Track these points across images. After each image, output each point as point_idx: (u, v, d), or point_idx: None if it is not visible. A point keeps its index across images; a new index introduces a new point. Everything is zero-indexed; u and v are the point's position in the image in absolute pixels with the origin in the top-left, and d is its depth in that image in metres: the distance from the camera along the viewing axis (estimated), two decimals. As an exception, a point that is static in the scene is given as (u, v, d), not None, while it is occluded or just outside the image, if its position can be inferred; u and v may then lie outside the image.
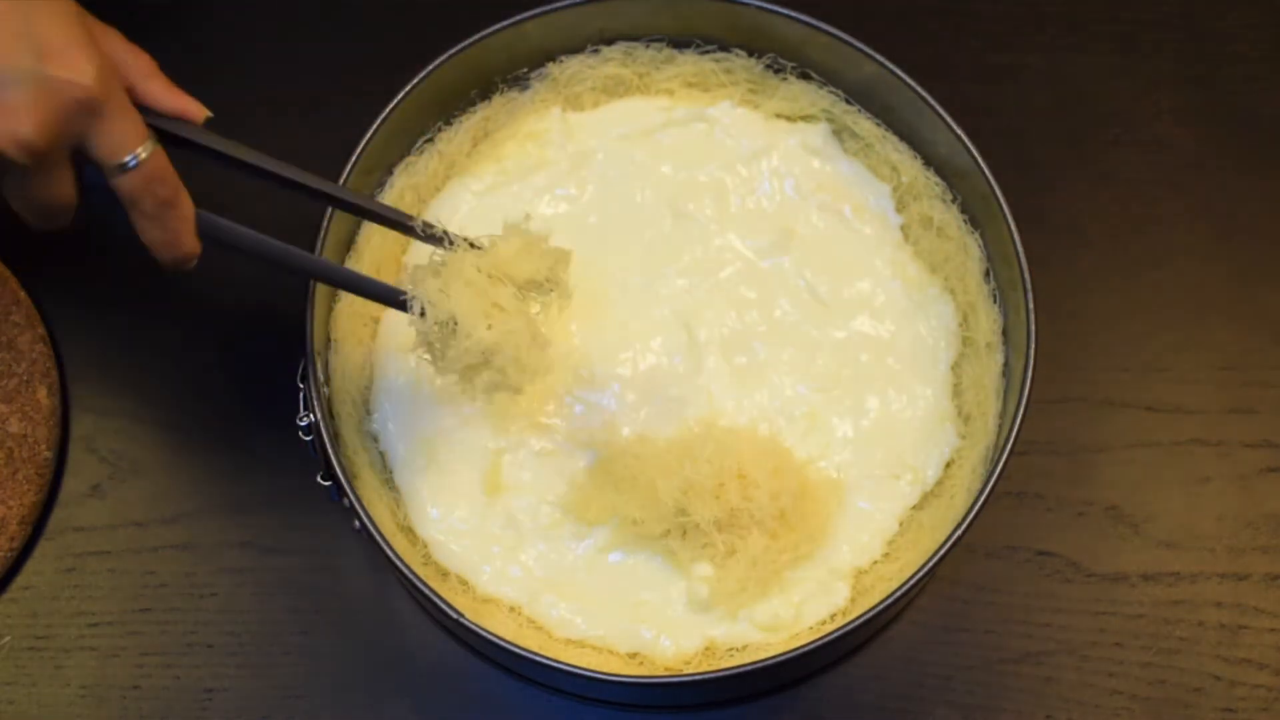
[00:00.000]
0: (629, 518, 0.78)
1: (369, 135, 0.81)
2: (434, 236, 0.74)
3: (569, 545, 0.80)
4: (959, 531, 0.74)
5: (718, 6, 0.85)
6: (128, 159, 0.64)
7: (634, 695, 0.84)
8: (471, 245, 0.73)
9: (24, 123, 0.60)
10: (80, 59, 0.61)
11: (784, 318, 0.84)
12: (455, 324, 0.71)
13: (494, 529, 0.80)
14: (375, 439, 0.83)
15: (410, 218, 0.75)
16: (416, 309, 0.71)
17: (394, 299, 0.73)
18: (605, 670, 0.75)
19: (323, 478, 0.79)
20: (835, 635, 0.73)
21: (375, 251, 0.84)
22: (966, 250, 0.84)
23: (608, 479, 0.80)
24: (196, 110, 0.69)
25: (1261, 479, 0.90)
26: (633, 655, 0.78)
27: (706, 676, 0.73)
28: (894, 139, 0.87)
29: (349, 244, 0.84)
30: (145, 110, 0.66)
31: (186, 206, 0.67)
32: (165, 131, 0.68)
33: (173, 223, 0.67)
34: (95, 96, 0.61)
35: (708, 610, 0.79)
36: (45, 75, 0.60)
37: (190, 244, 0.68)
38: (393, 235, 0.85)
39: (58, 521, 0.89)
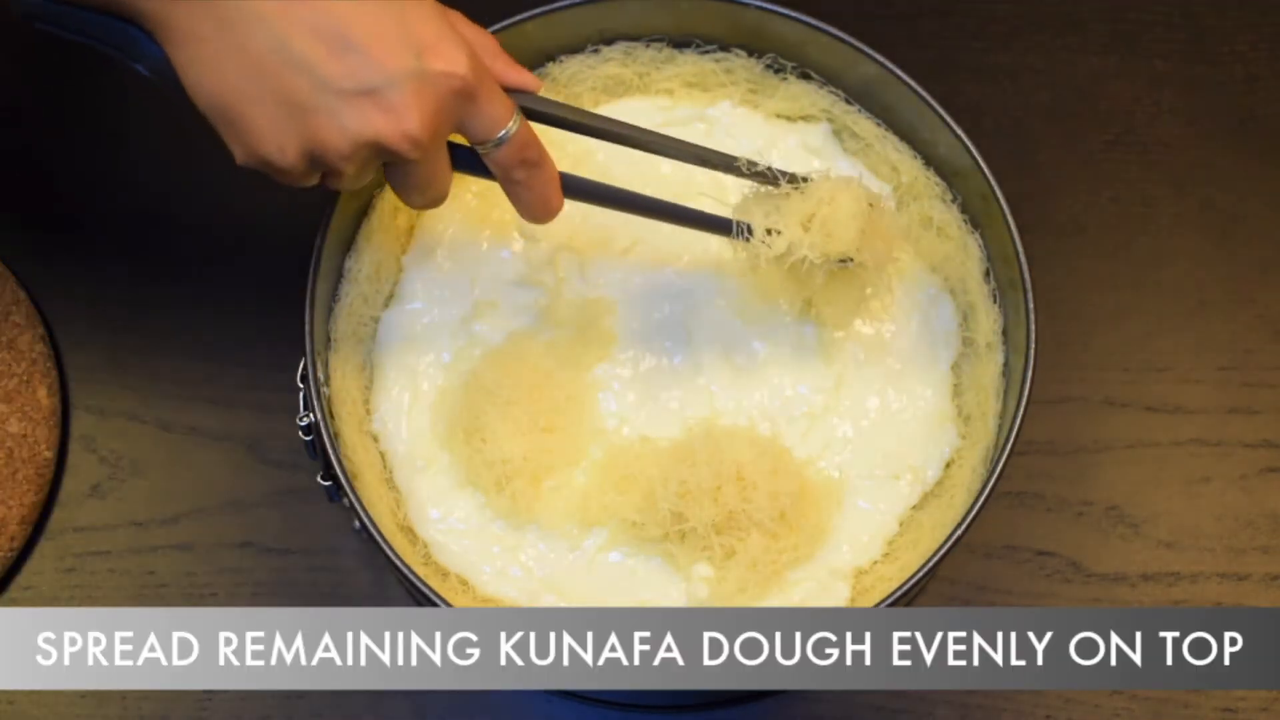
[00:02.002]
0: (628, 520, 0.78)
1: (369, 135, 0.81)
2: (760, 174, 0.78)
3: (569, 545, 0.80)
4: (959, 531, 0.74)
5: (718, 6, 0.85)
6: (501, 134, 0.68)
7: (634, 695, 0.84)
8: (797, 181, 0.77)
9: (413, 120, 0.64)
10: (453, 51, 0.65)
11: (784, 317, 0.84)
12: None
13: (494, 529, 0.81)
14: (375, 439, 0.83)
15: (734, 158, 0.78)
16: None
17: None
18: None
19: (323, 478, 0.79)
20: (835, 635, 0.73)
21: (376, 251, 0.84)
22: (966, 250, 0.84)
23: (608, 479, 0.80)
24: (534, 83, 0.74)
25: (1261, 479, 0.90)
26: (633, 655, 0.78)
27: (706, 676, 0.73)
28: (894, 139, 0.87)
29: (349, 244, 0.84)
30: None
31: (551, 167, 0.72)
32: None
33: (541, 183, 0.71)
34: (471, 84, 0.65)
35: (708, 610, 0.79)
36: (426, 71, 0.63)
37: (558, 200, 0.73)
38: (393, 233, 0.85)
39: (58, 521, 0.89)
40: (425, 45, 0.64)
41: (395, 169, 0.68)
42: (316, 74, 0.62)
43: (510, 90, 0.71)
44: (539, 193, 0.72)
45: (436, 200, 0.71)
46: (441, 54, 0.64)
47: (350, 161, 0.65)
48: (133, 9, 0.64)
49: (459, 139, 0.70)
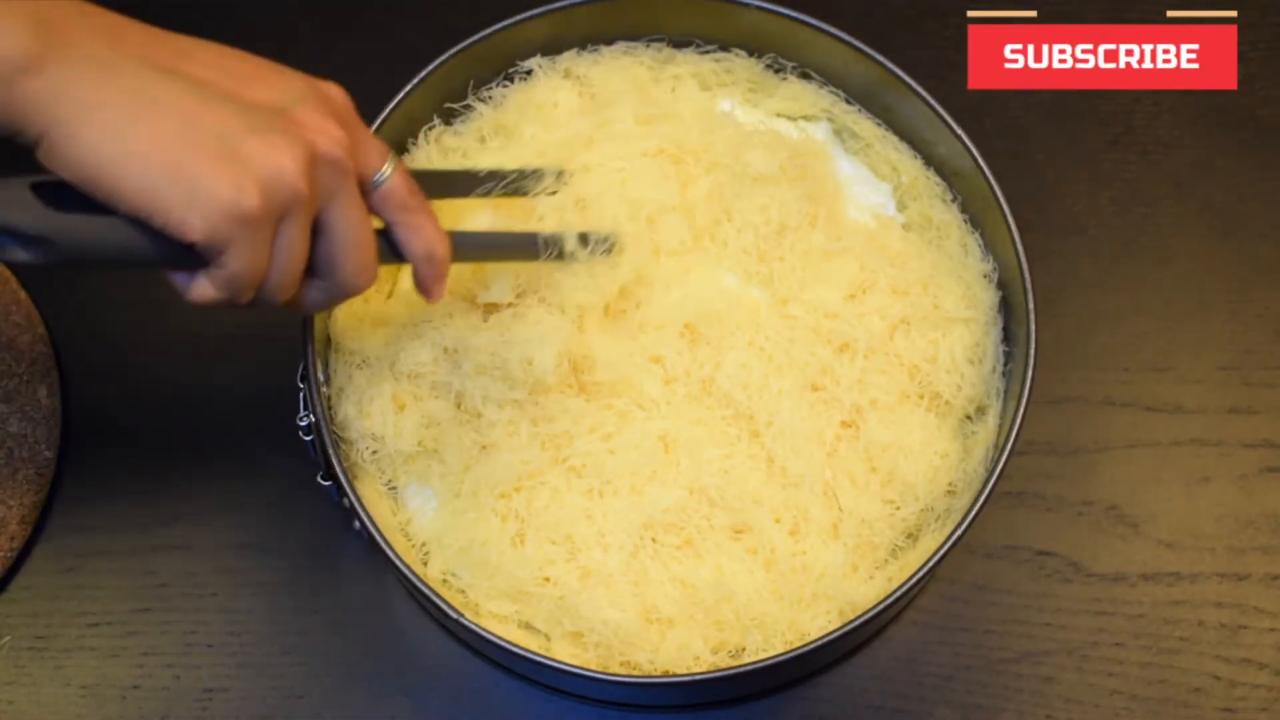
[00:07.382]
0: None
1: (369, 135, 0.81)
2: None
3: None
4: (959, 531, 0.74)
5: (718, 6, 0.85)
6: (383, 171, 0.67)
7: (633, 695, 0.84)
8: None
9: (329, 128, 0.63)
10: (322, 81, 0.67)
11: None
12: None
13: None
14: (375, 439, 0.82)
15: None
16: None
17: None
18: (605, 670, 0.74)
19: (323, 478, 0.79)
20: (835, 635, 0.73)
21: (375, 251, 0.84)
22: (966, 250, 0.84)
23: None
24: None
25: (1261, 479, 0.90)
26: (633, 655, 0.78)
27: (706, 677, 0.73)
28: (894, 139, 0.87)
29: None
30: None
31: (431, 211, 0.70)
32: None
33: (425, 224, 0.69)
34: (350, 107, 0.67)
35: (707, 610, 0.78)
36: (316, 87, 0.65)
37: (443, 246, 0.70)
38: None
39: (58, 521, 0.89)
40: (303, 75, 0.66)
41: (324, 232, 0.64)
42: (238, 103, 0.61)
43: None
44: (426, 235, 0.69)
45: (364, 271, 0.66)
46: (316, 80, 0.66)
47: (305, 180, 0.61)
48: (17, 104, 0.57)
49: None
